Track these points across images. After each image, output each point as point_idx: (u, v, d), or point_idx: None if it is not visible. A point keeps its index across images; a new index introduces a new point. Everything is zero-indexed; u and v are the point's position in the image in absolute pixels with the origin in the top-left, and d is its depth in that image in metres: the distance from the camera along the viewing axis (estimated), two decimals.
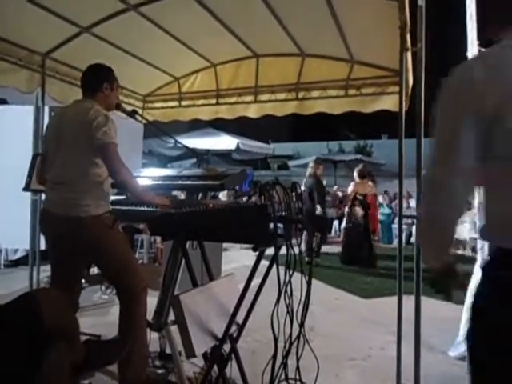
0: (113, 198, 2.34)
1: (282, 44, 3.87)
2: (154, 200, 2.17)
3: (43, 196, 2.90)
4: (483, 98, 0.98)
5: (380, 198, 10.68)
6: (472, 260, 3.44)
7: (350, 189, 7.17)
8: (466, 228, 8.54)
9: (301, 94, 4.27)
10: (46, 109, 4.06)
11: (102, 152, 2.08)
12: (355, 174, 7.23)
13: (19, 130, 4.53)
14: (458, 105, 1.04)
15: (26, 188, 3.43)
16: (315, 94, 4.21)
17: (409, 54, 2.69)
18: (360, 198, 6.87)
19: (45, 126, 3.88)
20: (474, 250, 7.80)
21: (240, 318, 2.04)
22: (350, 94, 4.04)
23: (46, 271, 4.35)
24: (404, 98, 2.71)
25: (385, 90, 3.83)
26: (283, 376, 1.94)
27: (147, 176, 2.63)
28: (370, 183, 7.47)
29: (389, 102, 3.81)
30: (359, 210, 6.80)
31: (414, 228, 8.23)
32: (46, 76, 3.81)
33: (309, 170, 6.89)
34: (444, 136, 1.07)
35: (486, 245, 3.19)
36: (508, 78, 0.99)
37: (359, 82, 3.95)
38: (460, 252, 8.67)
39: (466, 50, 3.16)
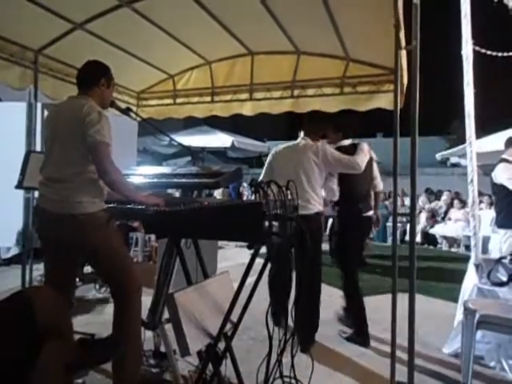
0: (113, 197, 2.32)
1: (277, 41, 3.86)
2: (145, 200, 2.15)
3: (36, 194, 2.87)
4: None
5: None
6: (466, 258, 3.46)
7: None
8: (460, 226, 8.61)
9: (296, 92, 4.27)
10: (39, 106, 4.03)
11: (92, 150, 2.05)
12: None
13: (11, 127, 4.48)
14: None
15: (19, 186, 3.40)
16: (310, 91, 4.20)
17: (404, 52, 2.69)
18: None
19: (38, 123, 3.88)
20: (467, 247, 7.87)
21: (235, 316, 2.03)
22: (346, 92, 4.04)
23: (39, 270, 4.33)
24: (399, 97, 2.71)
25: (380, 88, 3.83)
26: (278, 374, 1.94)
27: (142, 174, 2.61)
28: None
29: (384, 101, 3.81)
30: None
31: (408, 226, 8.26)
32: (39, 72, 3.76)
33: None
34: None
35: (480, 242, 3.21)
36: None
37: (354, 80, 3.95)
38: (454, 250, 8.74)
39: (460, 48, 3.17)
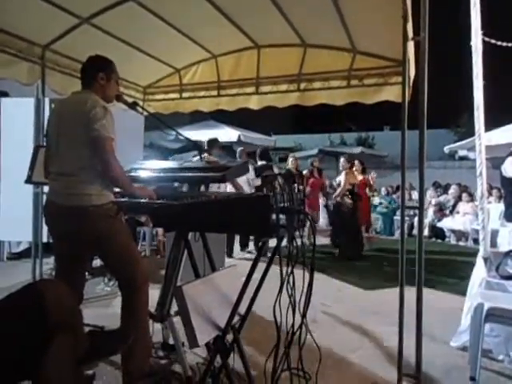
0: (116, 189, 2.34)
1: (284, 34, 3.84)
2: (140, 192, 2.19)
3: (45, 188, 2.89)
4: None
5: (383, 190, 10.65)
6: (474, 251, 3.44)
7: (343, 180, 6.88)
8: (468, 219, 8.54)
9: (302, 85, 4.25)
10: (47, 101, 4.05)
11: (97, 144, 2.07)
12: (342, 163, 7.02)
13: (20, 123, 4.52)
14: None
15: (28, 180, 3.44)
16: (317, 84, 4.18)
17: (411, 44, 2.66)
18: (349, 187, 6.72)
19: (46, 118, 3.91)
20: (475, 241, 7.81)
21: (242, 309, 2.05)
22: (353, 85, 4.01)
23: (48, 264, 4.39)
24: (407, 89, 2.69)
25: (387, 80, 3.80)
26: (286, 366, 1.95)
27: (149, 168, 2.62)
28: (356, 173, 7.34)
29: (391, 93, 3.78)
30: (348, 201, 6.65)
31: (415, 219, 8.20)
32: (46, 68, 3.79)
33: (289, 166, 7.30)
34: None
35: (489, 235, 3.19)
36: None
37: (361, 72, 3.92)
38: (462, 243, 8.68)
39: (469, 39, 3.12)
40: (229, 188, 5.29)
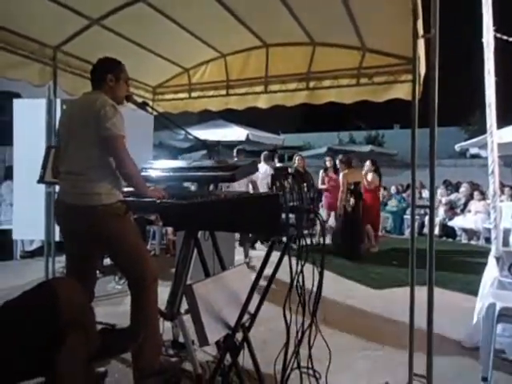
0: (125, 189, 2.36)
1: (292, 33, 3.82)
2: (151, 193, 2.21)
3: (57, 188, 2.93)
4: None
5: (392, 189, 10.57)
6: (486, 250, 3.40)
7: (341, 182, 6.83)
8: (480, 218, 8.43)
9: (311, 84, 4.22)
10: (58, 101, 4.11)
11: (109, 143, 2.10)
12: (338, 165, 6.98)
13: (33, 123, 4.59)
14: None
15: (41, 180, 3.49)
16: (326, 83, 4.15)
17: (422, 41, 2.63)
18: (351, 187, 6.64)
19: (57, 119, 3.96)
20: (487, 240, 7.72)
21: (252, 308, 2.05)
22: (362, 83, 3.97)
23: (61, 262, 4.45)
24: (417, 87, 2.66)
25: (397, 78, 3.75)
26: (295, 365, 1.96)
27: (159, 168, 2.65)
28: (359, 171, 7.27)
29: (401, 91, 3.74)
30: (352, 200, 6.57)
31: (426, 218, 8.13)
32: (58, 69, 3.83)
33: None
34: None
35: (501, 234, 3.15)
36: None
37: (371, 70, 3.88)
38: (473, 242, 8.57)
39: (481, 36, 3.09)
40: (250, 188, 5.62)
